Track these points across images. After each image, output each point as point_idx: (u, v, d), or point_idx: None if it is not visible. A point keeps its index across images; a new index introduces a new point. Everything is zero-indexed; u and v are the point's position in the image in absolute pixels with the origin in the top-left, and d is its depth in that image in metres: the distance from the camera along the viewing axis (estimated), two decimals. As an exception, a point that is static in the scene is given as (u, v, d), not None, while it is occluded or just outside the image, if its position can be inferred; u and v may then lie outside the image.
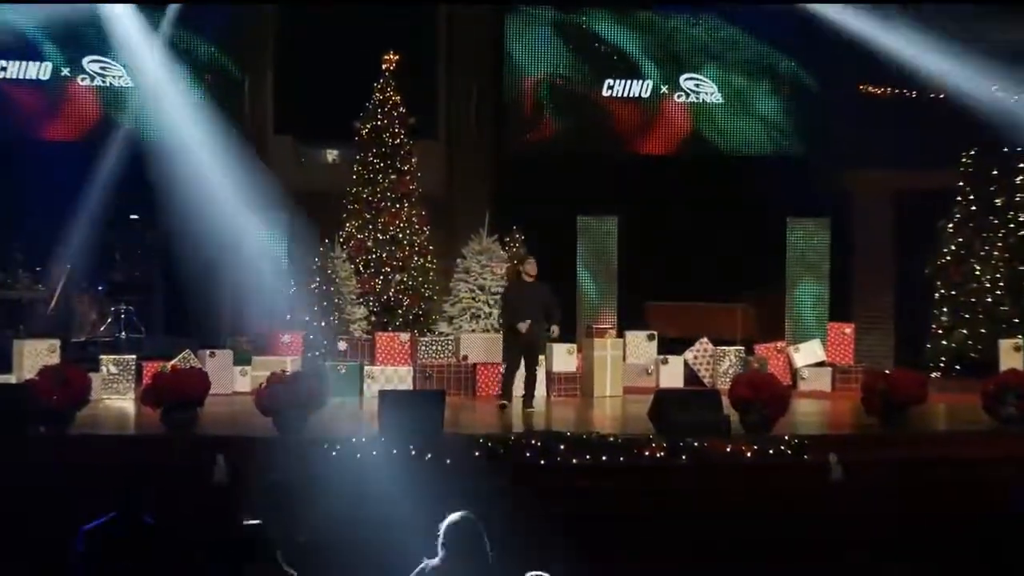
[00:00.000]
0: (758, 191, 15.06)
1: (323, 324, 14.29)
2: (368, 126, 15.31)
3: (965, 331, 14.72)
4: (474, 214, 15.51)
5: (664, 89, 16.57)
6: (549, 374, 13.51)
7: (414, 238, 15.34)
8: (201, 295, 14.83)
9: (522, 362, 12.16)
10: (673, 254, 15.81)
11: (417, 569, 5.06)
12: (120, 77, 15.51)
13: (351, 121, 15.35)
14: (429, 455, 9.23)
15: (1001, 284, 14.64)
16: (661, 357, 14.25)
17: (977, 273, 14.86)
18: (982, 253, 14.94)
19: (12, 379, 11.76)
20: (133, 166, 14.99)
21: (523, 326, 11.74)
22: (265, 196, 15.17)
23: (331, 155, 16.77)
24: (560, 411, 12.44)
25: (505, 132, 16.97)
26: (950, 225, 15.13)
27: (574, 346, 13.79)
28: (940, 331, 14.97)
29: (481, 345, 13.67)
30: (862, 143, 15.23)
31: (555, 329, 12.01)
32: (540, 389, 13.36)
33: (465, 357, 13.68)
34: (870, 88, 15.63)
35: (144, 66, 14.91)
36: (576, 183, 15.74)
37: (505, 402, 11.90)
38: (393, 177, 15.34)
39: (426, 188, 15.70)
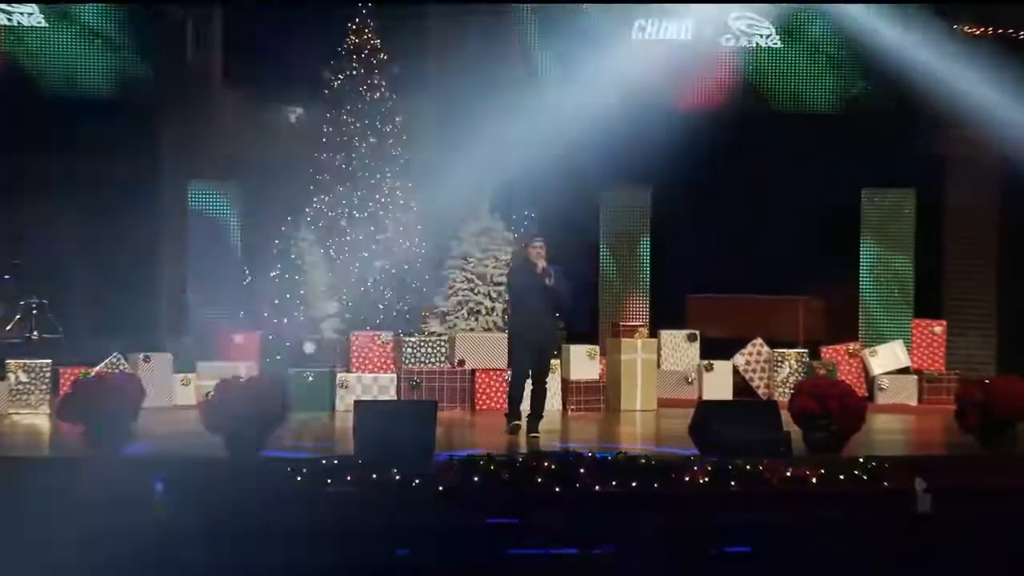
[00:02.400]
0: (825, 156, 15.00)
1: (286, 322, 14.34)
2: (341, 76, 15.33)
3: (1086, 330, 14.69)
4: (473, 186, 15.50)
5: (708, 30, 16.48)
6: (565, 383, 13.52)
7: (399, 216, 15.36)
8: (134, 286, 14.84)
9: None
10: (720, 234, 15.76)
11: None
12: (30, 15, 15.49)
13: (320, 70, 15.38)
14: (417, 480, 9.22)
15: None
16: (705, 362, 14.26)
17: (1102, 258, 14.82)
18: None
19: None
20: (45, 123, 15.00)
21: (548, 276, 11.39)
22: (213, 163, 15.24)
23: (294, 113, 16.73)
24: (579, 428, 12.42)
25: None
26: (1069, 198, 15.08)
27: (595, 348, 13.78)
28: (1055, 330, 14.95)
29: (481, 347, 13.68)
30: (958, 95, 15.15)
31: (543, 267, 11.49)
32: (553, 402, 13.35)
33: (461, 362, 13.67)
34: (966, 27, 15.55)
35: None
36: (599, 147, 15.69)
37: (516, 422, 11.66)
38: (372, 140, 15.34)
39: (414, 154, 15.71)
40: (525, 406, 11.80)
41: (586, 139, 15.55)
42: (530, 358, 11.74)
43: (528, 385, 11.87)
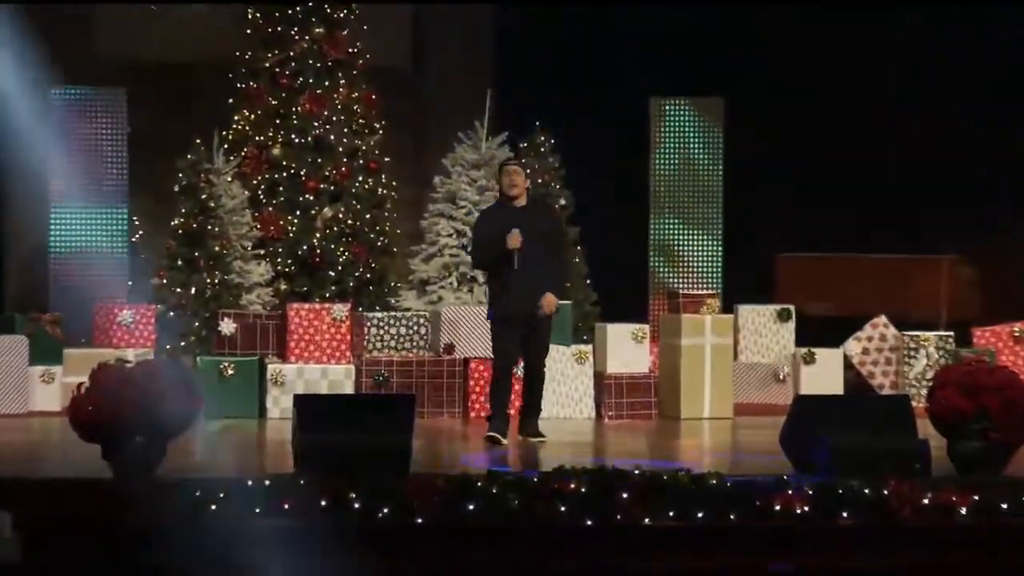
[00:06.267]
0: (978, 51, 14.93)
1: (193, 292, 14.37)
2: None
3: None
4: (463, 98, 15.52)
5: None
6: (600, 378, 13.58)
7: (357, 142, 15.39)
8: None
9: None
10: (824, 165, 15.73)
11: None
12: None
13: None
14: (386, 510, 9.20)
15: None
16: (803, 350, 14.30)
17: None
18: None
19: None
20: None
21: (513, 239, 11.60)
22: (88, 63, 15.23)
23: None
24: (620, 441, 12.46)
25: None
26: None
27: (644, 328, 13.84)
28: None
29: (477, 327, 13.77)
30: None
31: (548, 302, 11.75)
32: (583, 406, 13.35)
33: (449, 347, 13.73)
34: None
35: None
36: (648, 37, 15.68)
37: (495, 434, 11.78)
38: (319, 31, 15.38)
39: (378, 54, 15.74)
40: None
41: (633, 30, 15.58)
42: (518, 337, 11.88)
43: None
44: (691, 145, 15.55)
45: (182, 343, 14.13)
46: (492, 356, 12.29)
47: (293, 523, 9.16)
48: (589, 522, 9.29)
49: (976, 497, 9.59)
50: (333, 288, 14.93)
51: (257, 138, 15.29)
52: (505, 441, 11.76)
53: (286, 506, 9.24)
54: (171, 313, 14.26)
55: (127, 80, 15.26)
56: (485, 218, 12.11)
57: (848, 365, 14.35)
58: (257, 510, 9.23)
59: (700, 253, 15.39)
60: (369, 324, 13.78)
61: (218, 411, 12.55)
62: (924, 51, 15.19)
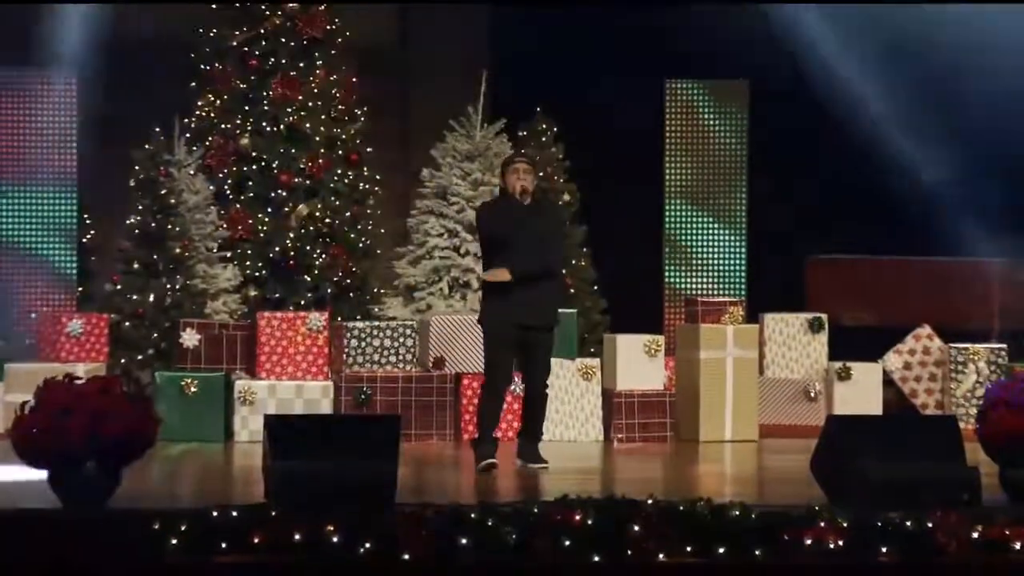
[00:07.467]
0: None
1: (152, 299, 14.38)
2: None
3: None
4: (455, 81, 15.55)
5: None
6: (609, 395, 13.64)
7: (336, 131, 15.39)
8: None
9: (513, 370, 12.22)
10: (862, 158, 15.72)
11: None
12: None
13: None
14: (368, 545, 9.21)
15: None
16: (837, 365, 14.35)
17: None
18: None
19: None
20: None
21: (501, 273, 11.65)
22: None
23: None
24: (631, 467, 12.49)
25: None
26: None
27: (659, 340, 13.89)
28: None
29: (470, 339, 13.80)
30: None
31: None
32: (589, 427, 13.37)
33: (439, 362, 13.78)
34: None
35: None
36: (663, 12, 15.69)
37: (490, 460, 11.75)
38: (293, 6, 15.40)
39: (359, 31, 15.84)
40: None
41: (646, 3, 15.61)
42: (513, 352, 11.92)
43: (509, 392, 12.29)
44: (712, 134, 15.56)
45: (139, 357, 14.15)
46: (483, 370, 12.26)
47: (264, 560, 9.21)
48: (596, 559, 9.30)
49: (1035, 533, 9.64)
50: (309, 295, 14.94)
51: (223, 126, 15.30)
52: (496, 461, 11.71)
53: (256, 540, 9.25)
54: (126, 323, 14.23)
55: (73, 55, 15.22)
56: (488, 215, 12.09)
57: (888, 381, 14.40)
58: (223, 545, 9.25)
59: (721, 255, 15.41)
60: (349, 335, 13.79)
61: (180, 433, 12.55)
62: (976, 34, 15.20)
